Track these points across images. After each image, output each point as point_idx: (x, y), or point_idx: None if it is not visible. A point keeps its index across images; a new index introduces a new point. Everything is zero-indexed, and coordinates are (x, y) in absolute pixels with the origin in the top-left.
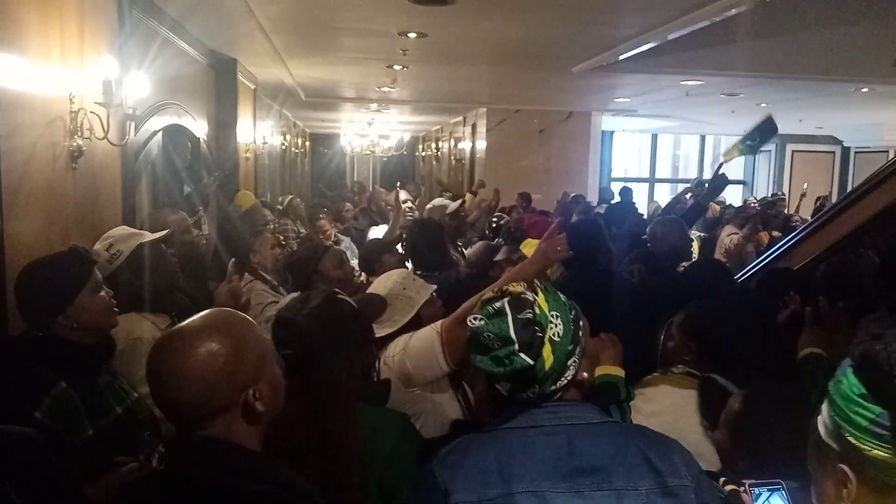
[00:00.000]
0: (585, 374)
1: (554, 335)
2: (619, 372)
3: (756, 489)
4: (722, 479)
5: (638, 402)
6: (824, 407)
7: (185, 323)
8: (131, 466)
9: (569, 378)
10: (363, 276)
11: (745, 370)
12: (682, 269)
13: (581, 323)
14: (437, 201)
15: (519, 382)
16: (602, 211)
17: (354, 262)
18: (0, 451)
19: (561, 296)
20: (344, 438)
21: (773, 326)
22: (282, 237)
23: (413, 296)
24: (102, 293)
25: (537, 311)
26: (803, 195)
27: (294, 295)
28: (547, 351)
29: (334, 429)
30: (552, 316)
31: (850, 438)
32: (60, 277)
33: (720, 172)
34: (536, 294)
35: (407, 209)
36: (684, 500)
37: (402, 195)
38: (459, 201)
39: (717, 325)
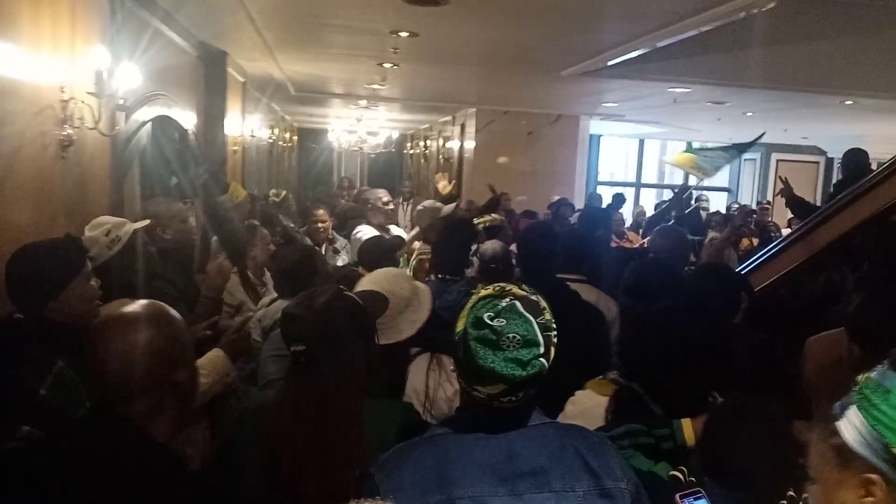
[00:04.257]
0: None
1: (555, 341)
2: None
3: (684, 500)
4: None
5: (567, 404)
6: (853, 415)
7: (125, 308)
8: None
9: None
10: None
11: (672, 382)
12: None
13: None
14: (428, 203)
15: (520, 386)
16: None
17: (345, 259)
18: None
19: None
20: (348, 431)
21: (721, 334)
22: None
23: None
24: (92, 282)
25: (548, 315)
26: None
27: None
28: (551, 355)
29: (341, 422)
30: (552, 322)
31: None
32: (58, 263)
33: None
34: (540, 299)
35: (390, 210)
36: (620, 502)
37: (385, 196)
38: (453, 204)
39: (635, 340)
